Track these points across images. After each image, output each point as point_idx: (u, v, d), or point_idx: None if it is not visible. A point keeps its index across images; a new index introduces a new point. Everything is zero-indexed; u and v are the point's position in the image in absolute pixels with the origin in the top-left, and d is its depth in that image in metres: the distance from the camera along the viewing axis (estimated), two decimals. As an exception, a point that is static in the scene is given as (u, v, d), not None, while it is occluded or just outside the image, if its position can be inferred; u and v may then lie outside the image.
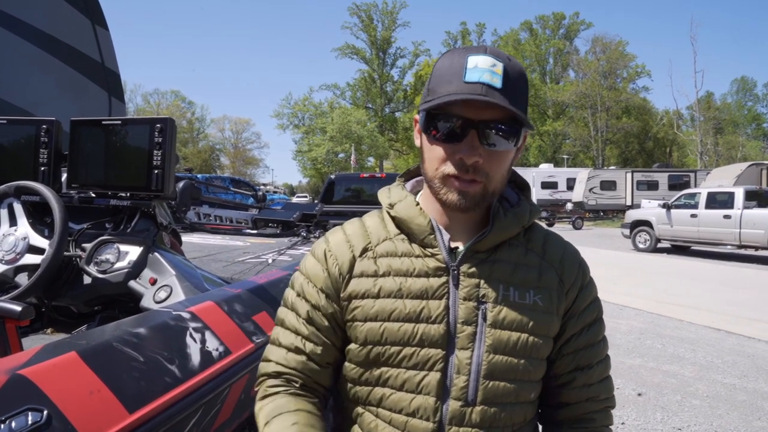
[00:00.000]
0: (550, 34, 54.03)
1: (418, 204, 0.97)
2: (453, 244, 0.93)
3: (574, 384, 0.97)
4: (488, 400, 0.87)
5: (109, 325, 1.05)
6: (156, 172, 1.48)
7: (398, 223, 0.96)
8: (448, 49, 0.94)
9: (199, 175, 14.85)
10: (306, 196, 44.03)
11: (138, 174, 1.51)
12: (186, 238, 3.51)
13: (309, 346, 0.94)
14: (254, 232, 4.19)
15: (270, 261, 2.51)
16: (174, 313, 1.16)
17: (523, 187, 1.02)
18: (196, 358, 1.08)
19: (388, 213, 0.98)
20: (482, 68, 0.83)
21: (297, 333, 0.95)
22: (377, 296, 0.91)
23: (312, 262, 0.99)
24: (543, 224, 1.03)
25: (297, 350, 0.94)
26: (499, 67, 0.83)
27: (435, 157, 0.88)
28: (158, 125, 1.47)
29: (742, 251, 13.60)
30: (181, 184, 2.84)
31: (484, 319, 0.88)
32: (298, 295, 0.98)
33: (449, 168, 0.86)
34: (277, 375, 0.95)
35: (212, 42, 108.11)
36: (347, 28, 53.49)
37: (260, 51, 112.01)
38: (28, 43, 3.39)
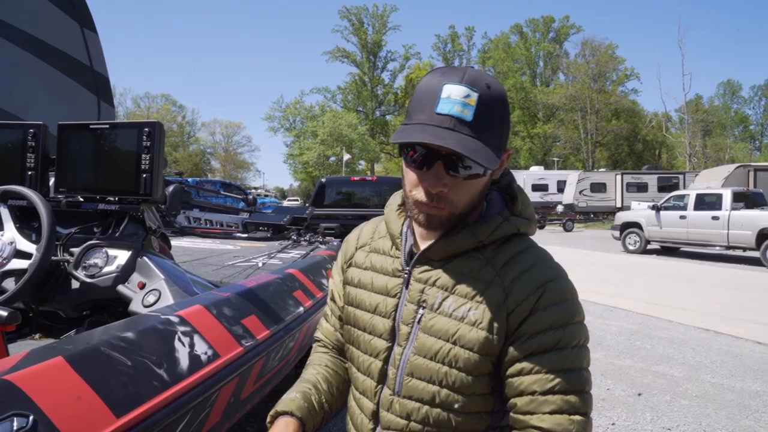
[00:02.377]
0: (540, 37, 54.36)
1: (399, 208, 1.06)
2: (420, 249, 0.99)
3: (515, 410, 0.90)
4: (408, 395, 0.94)
5: (96, 330, 1.04)
6: (144, 176, 1.47)
7: (386, 223, 1.07)
8: (432, 69, 0.99)
9: (189, 179, 14.78)
10: (297, 200, 43.96)
11: (126, 178, 1.50)
12: (176, 242, 3.49)
13: (332, 320, 1.15)
14: (245, 235, 4.18)
15: (260, 264, 2.50)
16: (162, 317, 1.15)
17: (514, 198, 0.99)
18: (184, 362, 1.08)
19: None
20: (454, 100, 0.84)
21: (328, 308, 1.18)
22: (357, 285, 1.06)
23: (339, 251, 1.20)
24: (530, 242, 1.03)
25: (326, 321, 1.18)
26: (473, 98, 0.84)
27: (408, 181, 0.93)
28: (146, 129, 1.47)
29: (731, 252, 13.73)
30: (170, 188, 2.83)
31: (419, 322, 0.94)
32: (331, 276, 1.19)
33: (419, 194, 0.90)
34: (317, 340, 1.19)
35: (203, 45, 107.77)
36: (338, 32, 53.60)
37: (251, 54, 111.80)
38: (15, 46, 3.36)
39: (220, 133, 65.55)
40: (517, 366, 0.89)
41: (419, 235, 1.00)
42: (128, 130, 1.50)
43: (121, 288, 1.47)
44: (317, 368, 1.10)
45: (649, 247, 14.75)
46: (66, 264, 1.53)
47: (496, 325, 0.88)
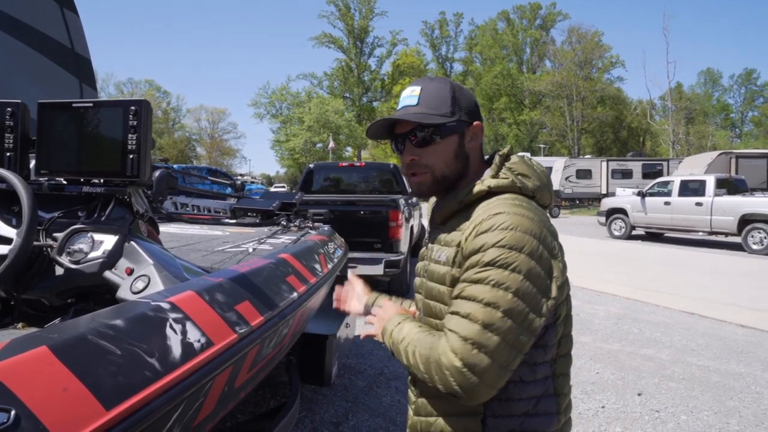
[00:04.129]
0: (527, 24, 54.25)
1: None
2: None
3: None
4: (426, 323, 1.16)
5: (83, 318, 0.99)
6: (131, 157, 1.41)
7: None
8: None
9: (175, 166, 14.56)
10: (284, 186, 43.64)
11: (112, 159, 1.44)
12: (163, 228, 3.41)
13: None
14: (233, 221, 4.11)
15: (251, 250, 2.44)
16: (153, 303, 1.10)
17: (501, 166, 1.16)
18: (177, 350, 1.03)
19: None
20: (404, 96, 1.17)
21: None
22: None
23: None
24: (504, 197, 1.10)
25: None
26: (417, 89, 1.16)
27: (402, 165, 1.21)
28: (133, 108, 1.40)
29: (713, 238, 13.92)
30: (157, 173, 2.75)
31: (426, 272, 1.19)
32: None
33: (406, 170, 1.19)
34: None
35: (188, 30, 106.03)
36: (324, 17, 53.08)
37: (237, 40, 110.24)
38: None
39: (205, 120, 64.78)
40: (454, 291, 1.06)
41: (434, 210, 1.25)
42: (113, 109, 1.43)
43: (108, 274, 1.41)
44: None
45: (634, 233, 14.90)
46: (49, 250, 1.46)
47: (455, 259, 1.06)
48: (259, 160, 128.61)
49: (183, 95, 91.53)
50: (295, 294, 1.68)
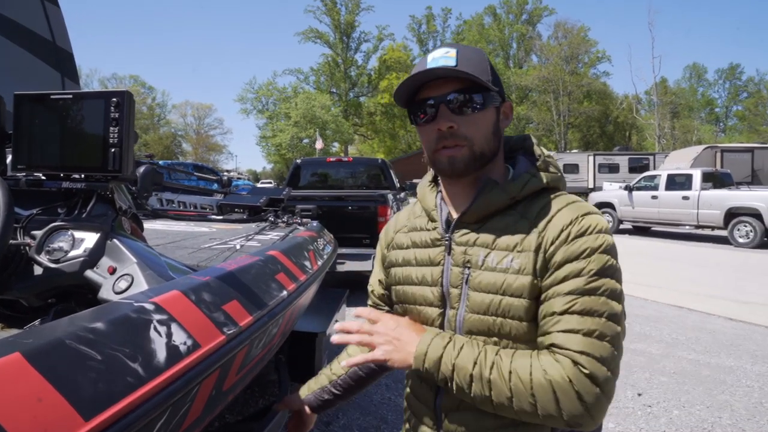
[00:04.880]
0: (513, 18, 54.26)
1: (430, 184, 1.15)
2: (455, 216, 1.05)
3: (539, 334, 0.93)
4: None
5: (61, 321, 0.93)
6: (113, 150, 1.34)
7: (419, 201, 1.15)
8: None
9: (161, 162, 14.36)
10: (271, 182, 43.36)
11: (93, 153, 1.36)
12: (148, 224, 3.34)
13: (376, 297, 1.26)
14: (220, 217, 4.03)
15: (238, 247, 2.38)
16: (136, 304, 1.04)
17: (538, 157, 1.06)
18: (161, 353, 0.97)
19: None
20: (437, 57, 0.99)
21: (372, 287, 1.26)
22: (402, 264, 1.13)
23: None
24: (565, 193, 1.05)
25: (371, 306, 1.27)
26: (453, 52, 0.99)
27: (426, 140, 1.03)
28: (114, 99, 1.33)
29: (700, 231, 14.05)
30: (142, 169, 2.67)
31: (467, 282, 0.99)
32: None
33: (437, 143, 1.00)
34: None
35: (173, 25, 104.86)
36: (310, 12, 52.58)
37: (223, 35, 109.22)
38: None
39: (191, 116, 64.12)
40: (545, 294, 0.93)
41: (453, 204, 1.08)
42: (94, 101, 1.35)
43: (89, 273, 1.35)
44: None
45: (621, 227, 14.99)
46: (27, 248, 1.39)
47: (537, 267, 0.93)
48: (246, 156, 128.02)
49: (168, 91, 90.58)
50: (284, 292, 1.62)
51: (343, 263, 6.19)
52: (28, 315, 1.51)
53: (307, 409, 1.34)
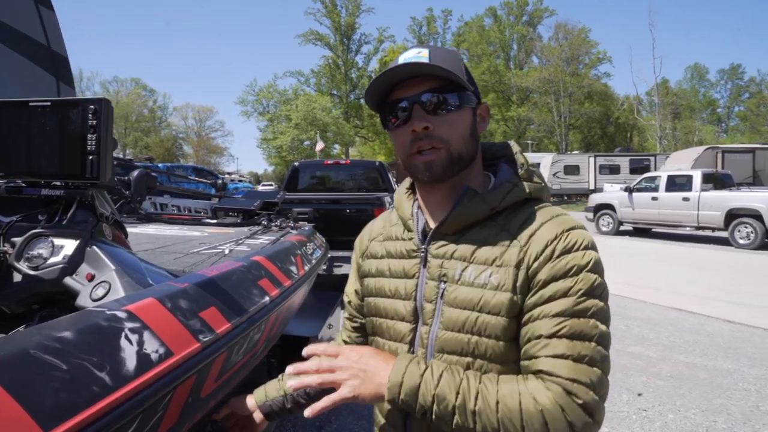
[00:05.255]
0: (514, 20, 54.25)
1: (407, 191, 1.09)
2: (432, 227, 1.00)
3: (522, 358, 0.88)
4: (445, 361, 0.92)
5: (29, 330, 0.92)
6: (90, 158, 1.33)
7: (396, 209, 1.10)
8: None
9: (160, 164, 14.42)
10: (272, 185, 43.39)
11: (71, 160, 1.36)
12: (140, 229, 3.34)
13: (348, 325, 1.22)
14: (213, 221, 4.04)
15: (227, 251, 2.38)
16: (108, 312, 1.04)
17: (521, 166, 1.01)
18: (131, 362, 0.96)
19: None
20: (409, 57, 0.93)
21: (345, 313, 1.22)
22: (375, 275, 1.07)
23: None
24: (548, 204, 0.99)
25: (344, 329, 1.24)
26: (425, 52, 0.94)
27: (400, 144, 0.97)
28: (92, 106, 1.32)
29: (700, 232, 14.01)
30: (135, 173, 2.67)
31: (442, 297, 0.94)
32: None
33: (412, 146, 0.94)
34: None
35: (174, 28, 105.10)
36: (311, 14, 52.64)
37: (223, 38, 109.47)
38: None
39: (192, 118, 64.29)
40: (529, 314, 0.88)
41: (430, 213, 1.02)
42: (72, 108, 1.35)
43: (68, 280, 1.35)
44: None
45: (621, 228, 14.96)
46: (7, 255, 1.39)
47: (518, 284, 0.88)
48: (247, 158, 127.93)
49: (169, 93, 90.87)
50: (267, 298, 1.62)
51: (340, 266, 6.19)
52: (13, 321, 1.51)
53: (258, 415, 1.22)
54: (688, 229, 13.54)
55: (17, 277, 1.38)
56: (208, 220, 4.15)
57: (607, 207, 15.08)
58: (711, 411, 3.49)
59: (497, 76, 51.27)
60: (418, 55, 0.93)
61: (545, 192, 1.01)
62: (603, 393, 0.84)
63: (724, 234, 12.32)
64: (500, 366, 0.90)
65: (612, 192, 15.78)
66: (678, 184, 13.28)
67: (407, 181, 1.12)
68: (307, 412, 0.88)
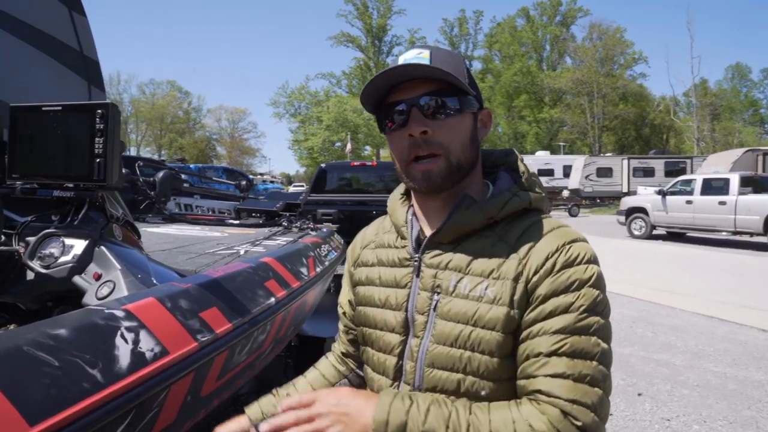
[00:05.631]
0: (547, 20, 53.54)
1: (402, 197, 1.06)
2: (427, 235, 0.96)
3: (519, 376, 0.84)
4: (431, 387, 0.88)
5: (26, 327, 0.96)
6: (98, 161, 1.38)
7: (389, 215, 1.07)
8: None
9: (192, 165, 14.74)
10: (303, 186, 43.86)
11: (81, 163, 1.41)
12: (163, 229, 3.42)
13: (342, 338, 1.17)
14: (236, 222, 4.10)
15: (242, 252, 2.42)
16: (106, 311, 1.07)
17: (522, 175, 0.98)
18: (124, 360, 0.99)
19: None
20: (409, 58, 0.91)
21: (340, 323, 1.17)
22: (366, 283, 1.03)
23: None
24: (548, 215, 0.96)
25: (337, 340, 1.20)
26: (426, 53, 0.91)
27: (397, 149, 0.93)
28: (99, 111, 1.37)
29: (737, 237, 13.57)
30: (160, 174, 2.73)
31: (435, 309, 0.90)
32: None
33: (409, 152, 0.90)
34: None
35: (208, 31, 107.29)
36: (342, 16, 53.05)
37: (256, 40, 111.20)
38: (3, 31, 3.27)
39: (225, 119, 65.39)
40: (527, 331, 0.84)
41: (425, 221, 0.98)
42: (81, 113, 1.40)
43: (76, 279, 1.39)
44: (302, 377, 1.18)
45: (654, 232, 14.61)
46: (21, 254, 1.45)
47: (515, 298, 0.84)
48: (279, 159, 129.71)
49: (203, 95, 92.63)
50: (272, 299, 1.64)
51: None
52: (30, 318, 1.57)
53: None
54: (724, 234, 13.13)
55: (30, 275, 1.44)
56: (231, 221, 4.23)
57: (639, 210, 14.74)
58: (739, 423, 3.37)
59: (529, 77, 50.69)
60: (418, 56, 0.90)
61: (546, 203, 0.97)
62: (604, 414, 0.79)
63: (763, 239, 11.90)
64: (492, 384, 0.86)
65: (645, 195, 15.42)
66: (714, 187, 12.90)
67: (402, 186, 1.08)
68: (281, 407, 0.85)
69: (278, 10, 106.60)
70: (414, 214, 1.01)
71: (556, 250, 0.85)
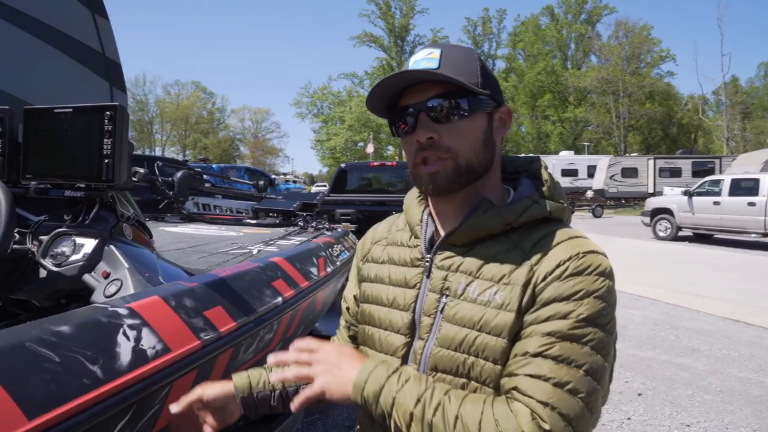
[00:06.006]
0: (571, 18, 52.89)
1: (419, 196, 1.03)
2: (441, 236, 0.95)
3: (503, 374, 0.81)
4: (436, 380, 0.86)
5: (30, 323, 0.99)
6: (106, 161, 1.41)
7: (404, 213, 1.05)
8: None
9: (214, 165, 14.93)
10: (325, 185, 44.12)
11: (90, 164, 1.45)
12: (180, 228, 3.47)
13: (342, 334, 1.13)
14: (253, 222, 4.14)
15: (255, 252, 2.44)
16: (109, 309, 1.09)
17: (543, 183, 0.95)
18: (125, 357, 1.01)
19: None
20: (418, 59, 0.88)
21: (342, 319, 1.14)
22: (373, 281, 1.01)
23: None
24: (564, 226, 0.92)
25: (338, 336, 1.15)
26: (436, 53, 0.88)
27: (408, 153, 0.92)
28: (108, 113, 1.40)
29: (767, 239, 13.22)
30: (179, 174, 2.78)
31: (442, 311, 0.88)
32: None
33: (417, 156, 0.89)
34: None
35: (232, 32, 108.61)
36: (365, 16, 53.19)
37: (279, 40, 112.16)
38: (28, 34, 3.36)
39: (249, 120, 66.09)
40: (522, 332, 0.81)
41: (441, 222, 0.96)
42: (90, 115, 1.44)
43: (86, 277, 1.43)
44: None
45: (681, 233, 14.31)
46: (34, 252, 1.49)
47: (523, 304, 0.81)
48: (302, 158, 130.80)
49: (227, 95, 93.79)
50: (279, 299, 1.65)
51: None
52: (47, 314, 1.61)
53: (236, 405, 1.02)
54: (753, 236, 12.79)
55: (42, 273, 1.47)
56: (248, 221, 4.27)
57: (664, 211, 14.45)
58: (763, 431, 3.29)
59: (554, 76, 50.14)
60: (428, 56, 0.88)
61: (567, 213, 0.94)
62: (581, 429, 0.74)
63: (795, 242, 11.58)
64: (496, 392, 0.82)
65: (670, 196, 15.12)
66: (744, 188, 12.57)
67: None
68: (293, 407, 0.85)
69: (301, 11, 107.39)
70: (430, 214, 0.99)
71: (569, 258, 0.82)
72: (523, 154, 0.96)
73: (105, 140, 1.40)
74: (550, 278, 0.81)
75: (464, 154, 0.88)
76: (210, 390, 0.99)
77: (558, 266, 0.81)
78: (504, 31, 56.35)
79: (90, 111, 1.45)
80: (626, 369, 4.35)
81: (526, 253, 0.85)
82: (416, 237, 0.98)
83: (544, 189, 0.92)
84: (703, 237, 14.31)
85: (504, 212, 0.88)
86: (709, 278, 8.50)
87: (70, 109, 1.46)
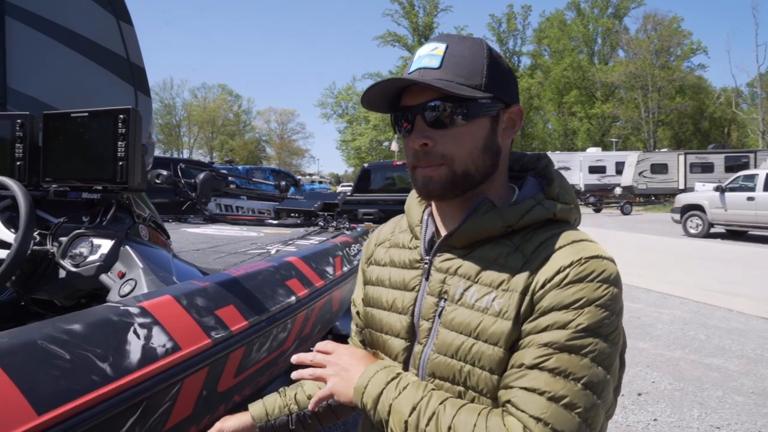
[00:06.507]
0: (598, 13, 51.98)
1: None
2: (441, 237, 0.92)
3: (500, 386, 0.79)
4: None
5: (43, 322, 1.02)
6: (120, 164, 1.44)
7: (406, 214, 1.03)
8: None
9: (240, 167, 15.16)
10: (350, 185, 44.30)
11: (105, 166, 1.48)
12: (202, 229, 3.53)
13: (354, 340, 1.11)
14: (275, 222, 4.19)
15: (273, 251, 2.47)
16: (121, 308, 1.12)
17: (550, 182, 0.90)
18: (135, 355, 1.03)
19: None
20: (422, 55, 0.84)
21: (357, 307, 1.09)
22: (375, 283, 1.00)
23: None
24: (571, 228, 0.87)
25: (356, 332, 1.11)
26: (441, 48, 0.83)
27: (406, 154, 0.89)
28: (121, 116, 1.44)
29: (805, 236, 12.80)
30: (201, 176, 2.83)
31: (440, 315, 0.85)
32: None
33: (411, 159, 0.87)
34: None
35: (257, 34, 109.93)
36: (388, 15, 53.27)
37: (304, 41, 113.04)
38: (55, 41, 3.46)
39: (275, 121, 66.83)
40: (520, 342, 0.78)
41: (441, 223, 0.93)
42: (105, 118, 1.48)
43: (103, 277, 1.46)
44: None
45: (713, 230, 13.94)
46: (54, 253, 1.53)
47: (521, 311, 0.78)
48: (328, 159, 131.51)
49: (253, 97, 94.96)
50: (293, 298, 1.66)
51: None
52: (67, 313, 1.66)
53: None
54: (790, 232, 12.40)
55: (61, 273, 1.52)
56: (270, 221, 4.31)
57: (695, 208, 14.11)
58: (797, 433, 3.18)
59: (580, 72, 49.34)
60: (431, 52, 0.83)
61: (574, 214, 0.90)
62: None
63: (834, 238, 11.18)
64: (493, 402, 0.80)
65: (702, 192, 14.74)
66: (779, 182, 12.20)
67: None
68: (310, 406, 0.88)
69: (325, 11, 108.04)
70: (431, 214, 0.96)
71: (570, 264, 0.78)
72: (545, 152, 0.88)
73: (119, 143, 1.44)
74: (548, 286, 0.77)
75: (460, 161, 0.84)
76: (229, 423, 1.02)
77: (558, 273, 0.78)
78: (529, 28, 55.70)
79: (105, 114, 1.49)
80: (653, 369, 4.26)
81: (528, 258, 0.81)
82: (416, 238, 0.96)
83: (550, 188, 0.88)
84: (736, 234, 13.93)
85: (505, 214, 0.84)
86: (742, 276, 8.26)
87: (86, 113, 1.50)
